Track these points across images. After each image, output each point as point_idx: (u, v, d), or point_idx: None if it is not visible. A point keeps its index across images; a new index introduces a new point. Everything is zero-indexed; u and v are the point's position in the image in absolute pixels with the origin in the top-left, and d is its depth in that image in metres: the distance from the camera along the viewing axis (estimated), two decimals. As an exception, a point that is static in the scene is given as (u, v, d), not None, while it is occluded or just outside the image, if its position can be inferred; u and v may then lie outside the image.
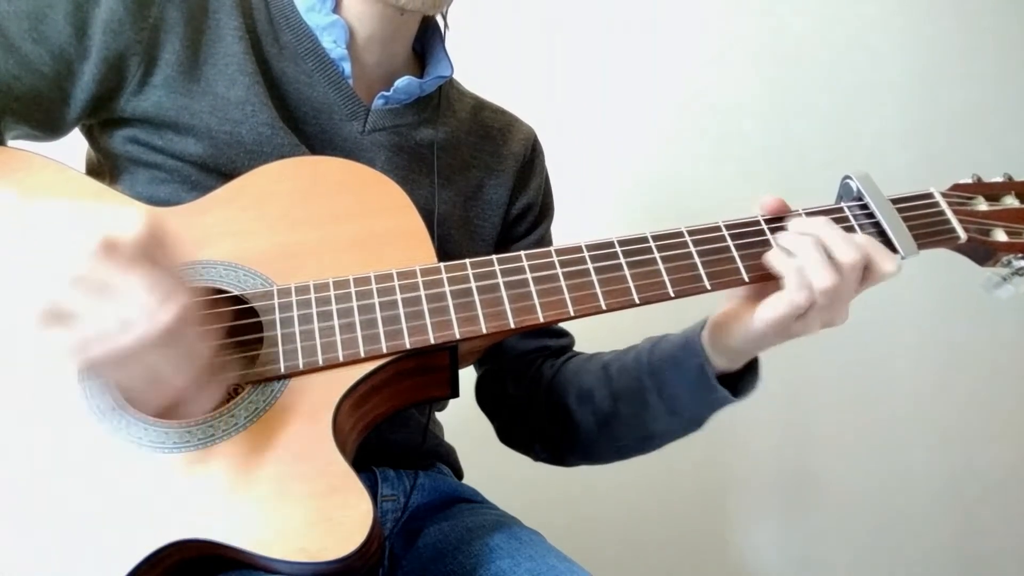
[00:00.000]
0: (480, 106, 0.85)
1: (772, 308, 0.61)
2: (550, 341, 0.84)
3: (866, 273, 0.61)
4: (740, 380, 0.69)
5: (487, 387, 0.85)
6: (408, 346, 0.58)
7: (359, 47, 0.74)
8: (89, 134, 0.71)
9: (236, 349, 0.60)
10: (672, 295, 0.62)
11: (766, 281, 0.63)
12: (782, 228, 0.64)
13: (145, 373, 0.49)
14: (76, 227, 0.46)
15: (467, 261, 0.62)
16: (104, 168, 0.70)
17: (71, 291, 0.46)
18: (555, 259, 0.62)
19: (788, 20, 1.51)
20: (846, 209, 0.67)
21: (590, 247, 0.63)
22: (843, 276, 0.60)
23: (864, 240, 0.61)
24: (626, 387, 0.73)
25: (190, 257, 0.60)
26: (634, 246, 0.63)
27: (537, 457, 0.84)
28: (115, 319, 0.46)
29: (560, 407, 0.78)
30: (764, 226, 0.65)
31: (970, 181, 0.71)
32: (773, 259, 0.62)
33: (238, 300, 0.59)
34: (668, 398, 0.70)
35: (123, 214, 0.47)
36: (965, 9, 1.60)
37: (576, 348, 0.86)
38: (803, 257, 0.60)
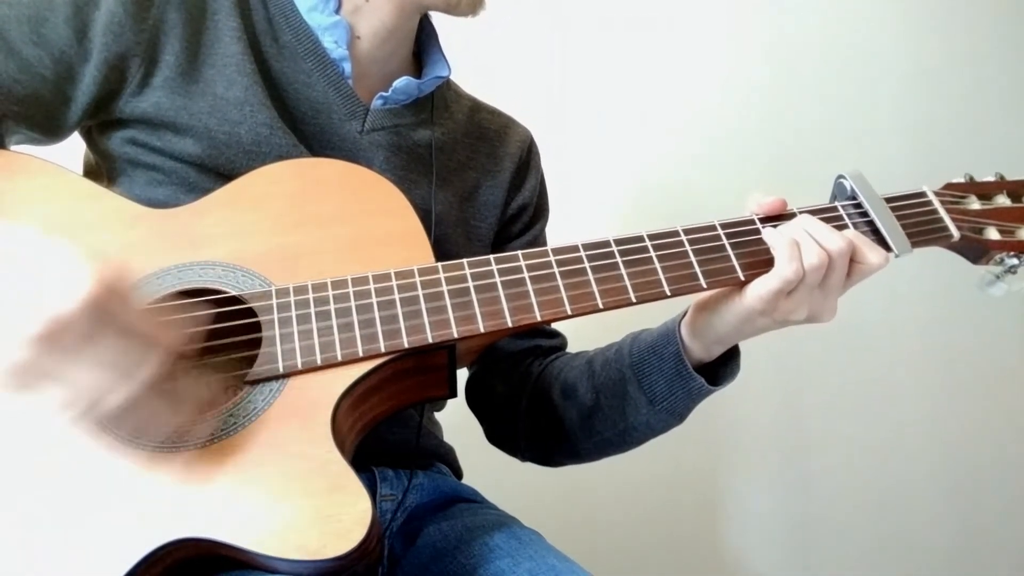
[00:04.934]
0: (477, 108, 0.86)
1: (763, 283, 0.62)
2: (542, 341, 0.84)
3: (854, 266, 0.63)
4: (718, 371, 0.70)
5: (477, 386, 0.85)
6: (406, 345, 0.58)
7: (360, 45, 0.74)
8: (87, 136, 0.71)
9: (235, 349, 0.61)
10: (668, 294, 0.63)
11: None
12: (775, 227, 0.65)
13: (138, 421, 0.50)
14: (16, 310, 0.44)
15: (464, 261, 0.62)
16: (102, 170, 0.70)
17: (36, 363, 0.45)
18: (552, 259, 0.63)
19: (784, 20, 1.52)
20: (840, 208, 0.67)
21: (587, 246, 0.63)
22: (832, 261, 0.61)
23: (851, 233, 0.63)
24: (607, 379, 0.73)
25: (189, 258, 0.61)
26: (630, 245, 0.64)
27: (523, 457, 0.84)
28: (91, 384, 0.46)
29: (545, 403, 0.78)
30: (759, 225, 0.65)
31: (963, 180, 0.72)
32: (765, 234, 0.64)
33: (236, 301, 0.59)
34: (647, 388, 0.70)
35: (69, 279, 0.45)
36: (961, 9, 1.61)
37: (571, 347, 0.87)
38: (794, 235, 0.62)
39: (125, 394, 0.47)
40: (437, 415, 0.87)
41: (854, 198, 0.68)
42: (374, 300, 0.60)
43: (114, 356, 0.47)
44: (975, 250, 0.70)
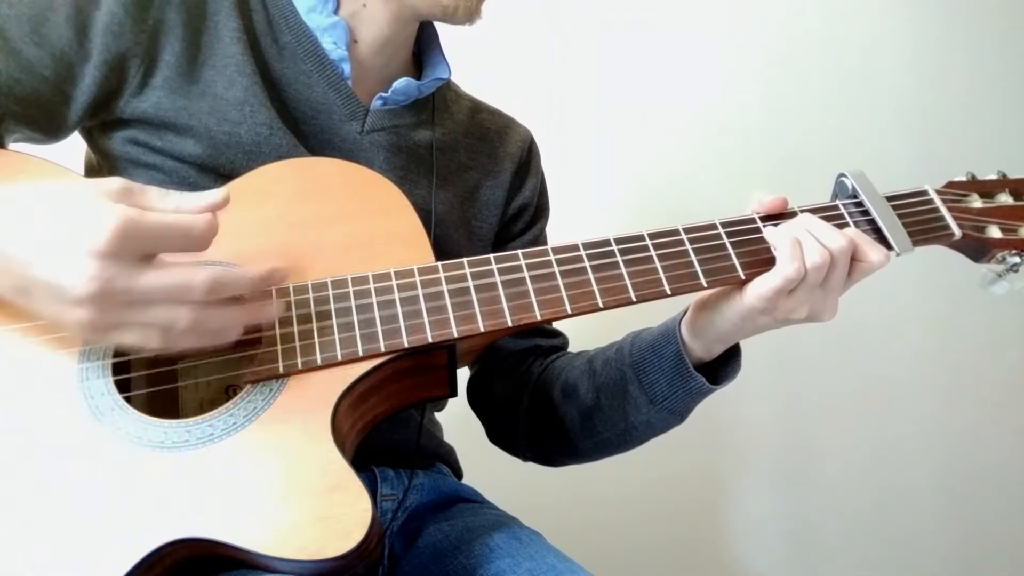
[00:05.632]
0: (477, 108, 0.86)
1: (764, 281, 0.62)
2: (542, 341, 0.84)
3: (855, 265, 0.63)
4: (719, 371, 0.70)
5: (478, 386, 0.85)
6: (406, 345, 0.58)
7: (359, 48, 0.74)
8: (88, 135, 0.71)
9: (235, 349, 0.61)
10: (669, 293, 0.63)
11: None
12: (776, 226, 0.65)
13: (211, 333, 0.53)
14: (58, 266, 0.48)
15: (464, 260, 0.62)
16: (103, 169, 0.70)
17: (99, 319, 0.49)
18: (552, 258, 0.63)
19: (784, 19, 1.52)
20: (841, 207, 0.67)
21: (587, 245, 0.63)
22: (833, 260, 0.61)
23: (852, 231, 0.63)
24: (608, 379, 0.73)
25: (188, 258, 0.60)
26: (631, 244, 0.64)
27: (524, 456, 0.84)
28: (158, 318, 0.50)
29: (546, 403, 0.78)
30: (760, 224, 0.65)
31: (964, 179, 0.72)
32: (767, 233, 0.64)
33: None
34: (647, 387, 0.70)
35: (94, 222, 0.48)
36: (962, 8, 1.61)
37: (572, 347, 0.87)
38: (796, 234, 0.62)
39: (190, 315, 0.50)
40: (437, 415, 0.87)
41: (855, 196, 0.68)
42: (374, 300, 0.60)
43: (166, 287, 0.50)
44: (977, 248, 0.70)
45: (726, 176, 1.44)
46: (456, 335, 0.59)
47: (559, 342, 0.86)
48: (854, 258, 0.62)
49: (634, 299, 0.62)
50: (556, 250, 0.63)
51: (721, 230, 0.65)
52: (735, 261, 0.63)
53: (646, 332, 0.73)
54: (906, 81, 1.57)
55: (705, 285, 0.63)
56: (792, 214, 0.66)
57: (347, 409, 0.58)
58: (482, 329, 0.60)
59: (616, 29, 1.43)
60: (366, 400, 0.61)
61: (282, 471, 0.53)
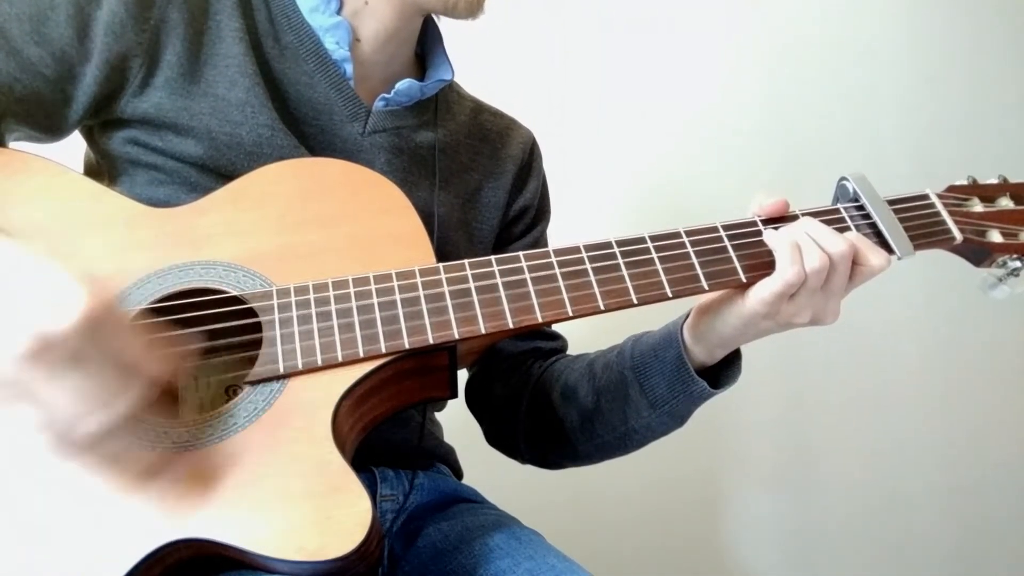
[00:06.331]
0: (479, 109, 0.85)
1: (765, 286, 0.62)
2: (542, 343, 0.84)
3: (856, 268, 0.63)
4: (720, 374, 0.70)
5: (476, 388, 0.85)
6: (407, 346, 0.58)
7: (362, 49, 0.74)
8: (88, 135, 0.71)
9: (235, 349, 0.61)
10: (670, 295, 0.63)
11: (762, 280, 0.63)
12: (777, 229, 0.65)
13: (113, 451, 0.49)
14: (8, 320, 0.44)
15: (466, 262, 0.62)
16: (103, 169, 0.70)
17: (18, 379, 0.44)
18: (553, 260, 0.63)
19: (786, 21, 1.52)
20: (842, 210, 0.67)
21: (588, 248, 0.63)
22: (833, 264, 0.61)
23: (853, 235, 0.63)
24: (608, 382, 0.73)
25: (190, 258, 0.60)
26: (632, 247, 0.64)
27: (523, 459, 0.84)
28: (68, 408, 0.45)
29: (545, 405, 0.78)
30: (761, 227, 0.65)
31: (965, 183, 0.72)
32: (767, 237, 0.64)
33: (237, 301, 0.59)
34: (648, 391, 0.70)
35: (63, 298, 0.44)
36: (963, 12, 1.61)
37: (572, 349, 0.87)
38: (796, 238, 0.62)
39: (100, 422, 0.46)
40: (438, 415, 0.87)
41: (856, 200, 0.68)
42: (375, 300, 0.60)
43: (95, 382, 0.46)
44: (977, 252, 0.70)
45: (726, 177, 1.44)
46: (457, 336, 0.59)
47: (559, 344, 0.86)
48: (855, 262, 0.62)
49: (635, 301, 0.62)
50: (557, 252, 0.63)
51: (722, 232, 0.65)
52: (736, 264, 0.64)
53: (647, 336, 0.73)
54: (907, 83, 1.57)
55: (706, 288, 0.63)
56: (793, 217, 0.66)
57: (347, 410, 0.58)
58: (483, 330, 0.60)
59: (617, 29, 1.43)
60: (366, 401, 0.61)
61: (282, 471, 0.53)
